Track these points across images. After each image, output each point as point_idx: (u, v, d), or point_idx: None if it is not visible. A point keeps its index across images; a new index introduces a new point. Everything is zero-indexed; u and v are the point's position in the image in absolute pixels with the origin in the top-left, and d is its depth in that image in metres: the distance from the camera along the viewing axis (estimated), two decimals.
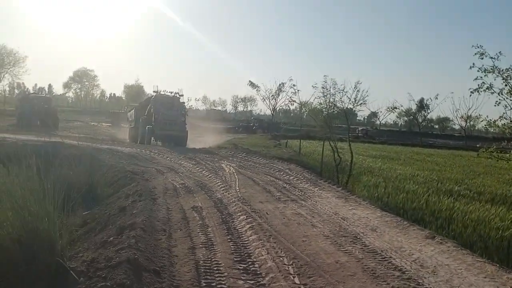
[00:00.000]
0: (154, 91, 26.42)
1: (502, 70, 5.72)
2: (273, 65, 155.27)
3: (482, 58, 5.80)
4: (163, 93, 26.05)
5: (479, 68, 5.78)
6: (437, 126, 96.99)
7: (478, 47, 5.76)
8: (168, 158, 15.56)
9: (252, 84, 59.12)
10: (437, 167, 20.70)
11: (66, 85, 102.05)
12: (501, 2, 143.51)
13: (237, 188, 9.72)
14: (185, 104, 27.19)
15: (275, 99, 59.61)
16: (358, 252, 5.44)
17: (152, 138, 24.28)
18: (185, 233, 6.30)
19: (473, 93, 6.06)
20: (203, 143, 25.01)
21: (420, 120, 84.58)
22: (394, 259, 5.20)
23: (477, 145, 8.19)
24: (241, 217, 7.13)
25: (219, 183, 10.44)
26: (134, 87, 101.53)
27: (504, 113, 5.84)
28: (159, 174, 11.87)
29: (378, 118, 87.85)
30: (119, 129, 38.81)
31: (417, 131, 74.88)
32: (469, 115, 61.19)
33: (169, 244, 5.67)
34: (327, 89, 14.73)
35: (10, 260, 4.03)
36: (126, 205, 7.74)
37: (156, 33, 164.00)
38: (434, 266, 4.98)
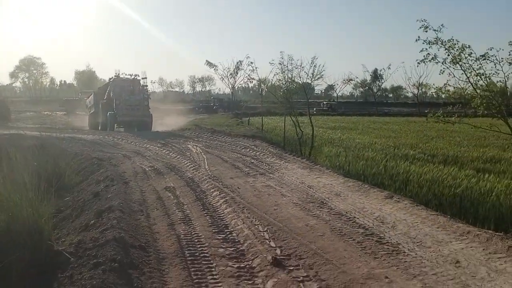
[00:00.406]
0: (115, 75, 24.83)
1: (445, 41, 6.28)
2: (229, 44, 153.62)
3: (426, 31, 6.32)
4: (122, 76, 24.77)
5: (424, 41, 6.29)
6: (391, 95, 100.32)
7: (422, 21, 6.28)
8: (132, 143, 15.57)
9: (209, 64, 58.52)
10: (393, 134, 21.56)
11: (13, 75, 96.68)
12: None
13: (207, 167, 10.03)
14: (147, 87, 26.01)
15: (233, 78, 59.43)
16: (325, 215, 5.96)
17: (115, 124, 23.23)
18: (162, 212, 6.59)
19: (419, 63, 6.62)
20: (165, 126, 24.86)
21: (375, 90, 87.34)
22: (357, 218, 5.76)
23: (426, 111, 8.81)
24: (214, 193, 7.49)
25: (188, 164, 10.70)
26: (85, 73, 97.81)
27: (448, 80, 6.44)
28: (126, 159, 11.94)
29: (335, 91, 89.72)
30: (75, 116, 37.68)
31: (373, 101, 77.23)
32: (420, 82, 63.69)
33: (149, 223, 5.96)
34: (284, 65, 15.14)
35: (2, 248, 4.18)
36: (99, 190, 7.89)
37: (103, 17, 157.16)
38: (393, 222, 5.58)
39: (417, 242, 4.81)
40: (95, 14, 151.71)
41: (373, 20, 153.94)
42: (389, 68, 62.00)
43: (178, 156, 11.96)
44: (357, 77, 76.81)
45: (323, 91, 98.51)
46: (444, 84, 6.47)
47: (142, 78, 24.89)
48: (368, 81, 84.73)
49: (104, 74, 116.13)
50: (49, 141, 14.08)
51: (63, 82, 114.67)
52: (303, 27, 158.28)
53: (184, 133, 19.41)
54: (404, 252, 4.55)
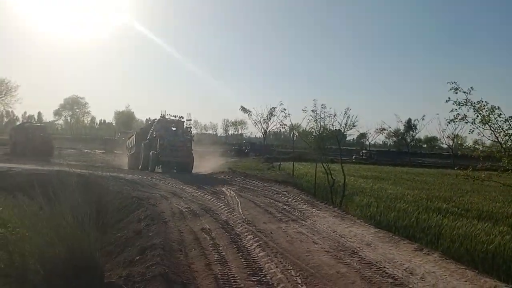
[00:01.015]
0: (160, 115, 25.17)
1: (474, 103, 6.63)
2: (262, 90, 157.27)
3: (456, 93, 6.71)
4: (167, 117, 25.11)
5: (454, 102, 6.67)
6: (425, 146, 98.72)
7: (452, 83, 6.70)
8: (169, 184, 16.22)
9: (243, 109, 60.22)
10: (426, 186, 21.30)
11: (57, 113, 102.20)
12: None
13: (240, 211, 10.44)
14: (191, 128, 26.11)
15: (266, 123, 60.67)
16: (356, 263, 6.19)
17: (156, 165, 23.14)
18: (200, 252, 6.99)
19: (449, 123, 6.94)
20: (199, 168, 25.58)
21: (409, 140, 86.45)
22: (387, 268, 5.97)
23: (455, 168, 9.00)
24: (248, 236, 7.85)
25: (222, 206, 11.14)
26: (124, 113, 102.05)
27: (477, 139, 6.73)
28: (163, 199, 12.52)
29: (367, 139, 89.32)
30: (113, 155, 39.18)
31: (406, 151, 76.22)
32: (455, 134, 62.80)
33: (188, 262, 6.36)
34: (317, 113, 15.64)
35: (61, 276, 4.68)
36: (141, 229, 8.43)
37: (144, 60, 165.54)
38: (422, 274, 5.75)
39: None
40: (136, 57, 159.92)
41: (407, 70, 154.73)
42: (423, 119, 61.71)
43: (213, 199, 12.44)
44: (389, 127, 76.55)
45: (355, 139, 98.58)
46: (474, 144, 6.76)
47: (187, 120, 25.31)
48: (401, 130, 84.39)
49: (143, 115, 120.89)
50: (92, 179, 14.92)
51: (102, 121, 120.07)
52: (336, 75, 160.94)
53: (218, 176, 20.01)
54: None
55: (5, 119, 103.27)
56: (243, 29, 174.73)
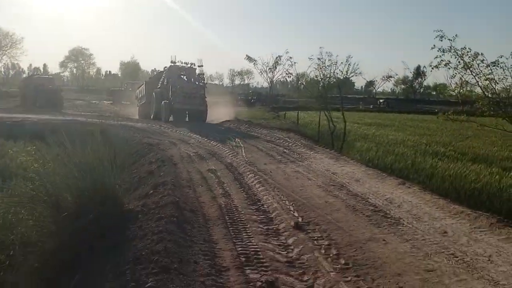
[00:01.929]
0: (171, 62, 23.59)
1: (458, 50, 7.11)
2: (269, 38, 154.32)
3: (441, 40, 7.16)
4: (178, 64, 23.65)
5: (439, 49, 7.15)
6: (434, 93, 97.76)
7: (438, 31, 7.14)
8: (177, 132, 17.01)
9: (249, 58, 59.46)
10: (428, 132, 21.70)
11: (62, 65, 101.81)
12: None
13: (244, 154, 11.25)
14: (204, 75, 24.48)
15: (272, 72, 60.32)
16: (343, 195, 7.02)
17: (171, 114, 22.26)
18: (206, 188, 7.83)
19: (433, 69, 7.42)
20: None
21: (417, 87, 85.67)
22: (370, 199, 6.79)
23: (435, 110, 9.57)
24: (250, 175, 8.67)
25: (227, 151, 11.94)
26: (130, 64, 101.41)
27: (450, 85, 7.33)
28: (172, 145, 13.33)
29: (374, 87, 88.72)
30: (121, 106, 39.78)
31: (415, 98, 75.84)
32: (464, 81, 62.23)
33: (196, 195, 7.21)
34: (322, 62, 15.85)
35: (86, 206, 5.52)
36: (153, 169, 9.28)
37: (148, 11, 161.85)
38: (400, 202, 6.57)
39: (416, 218, 5.81)
40: (141, 9, 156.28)
41: (415, 18, 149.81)
42: (430, 65, 60.89)
43: (218, 144, 13.22)
44: (397, 74, 75.79)
45: (363, 87, 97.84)
46: (455, 87, 7.32)
47: (198, 66, 23.90)
48: (410, 78, 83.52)
49: (148, 65, 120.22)
50: (104, 127, 15.72)
51: (108, 72, 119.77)
52: (343, 23, 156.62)
53: (224, 124, 20.76)
54: (403, 224, 5.56)
55: (11, 72, 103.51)
56: None
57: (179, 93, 21.68)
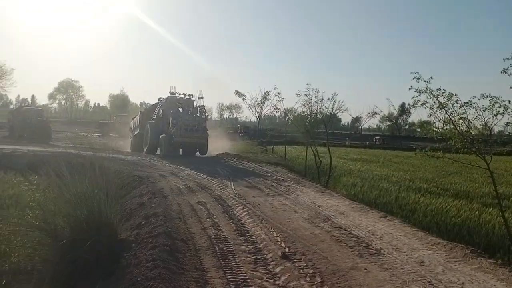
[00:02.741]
0: (170, 93, 23.30)
1: (433, 91, 7.68)
2: (257, 74, 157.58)
3: (418, 81, 7.74)
4: (176, 95, 23.34)
5: (415, 89, 7.72)
6: (419, 130, 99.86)
7: (415, 73, 7.73)
8: (167, 165, 17.27)
9: (238, 93, 60.80)
10: (412, 168, 22.23)
11: (51, 96, 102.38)
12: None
13: (233, 187, 11.55)
14: (205, 107, 23.78)
15: (260, 107, 61.44)
16: (328, 227, 7.34)
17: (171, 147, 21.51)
18: (196, 219, 8.09)
19: (410, 107, 7.97)
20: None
21: (402, 124, 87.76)
22: (354, 231, 7.12)
23: (413, 147, 10.13)
24: (239, 207, 8.96)
25: (216, 184, 12.23)
26: (119, 97, 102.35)
27: (434, 122, 7.85)
28: (162, 178, 13.58)
29: (360, 124, 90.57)
30: (110, 139, 39.90)
31: (404, 135, 77.39)
32: (449, 118, 63.98)
33: (186, 226, 7.46)
34: (309, 98, 16.44)
35: (82, 234, 5.75)
36: (144, 201, 9.51)
37: (138, 43, 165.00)
38: (382, 234, 6.91)
39: (396, 248, 6.15)
40: (132, 42, 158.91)
41: (400, 56, 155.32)
42: (415, 103, 62.68)
43: (208, 177, 13.52)
44: (381, 111, 77.70)
45: (349, 123, 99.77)
46: (429, 125, 7.87)
47: (199, 98, 23.43)
48: (395, 115, 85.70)
49: (137, 98, 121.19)
50: (94, 159, 15.89)
51: (97, 104, 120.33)
52: (330, 60, 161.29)
53: (213, 157, 21.08)
54: (384, 254, 5.89)
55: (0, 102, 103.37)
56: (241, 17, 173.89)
57: (181, 125, 20.92)
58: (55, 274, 5.08)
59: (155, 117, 23.13)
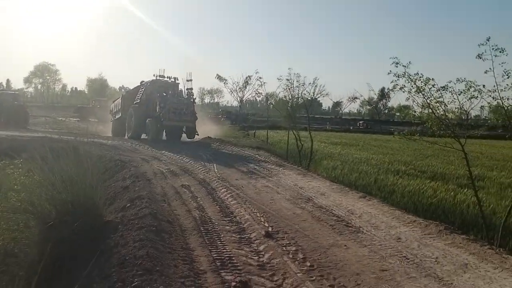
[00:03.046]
0: (154, 76, 22.41)
1: (411, 75, 7.91)
2: (239, 58, 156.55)
3: (397, 66, 7.94)
4: (161, 78, 22.43)
5: (394, 74, 7.93)
6: (398, 114, 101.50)
7: (394, 58, 7.93)
8: (149, 149, 17.21)
9: (219, 77, 60.48)
10: (391, 151, 22.79)
11: (27, 80, 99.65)
12: None
13: (216, 170, 11.68)
14: (193, 89, 22.78)
15: (242, 92, 61.47)
16: (310, 207, 7.58)
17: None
18: (180, 202, 8.20)
19: (389, 91, 8.20)
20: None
21: (382, 108, 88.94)
22: (334, 210, 7.37)
23: (392, 130, 10.40)
24: (222, 190, 9.11)
25: (199, 167, 12.33)
26: (97, 81, 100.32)
27: (412, 106, 8.11)
28: (145, 162, 13.58)
29: (340, 109, 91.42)
30: (88, 123, 39.31)
31: (378, 119, 78.66)
32: (427, 102, 65.27)
33: (171, 208, 7.57)
34: (291, 82, 16.57)
35: (69, 217, 5.81)
36: (128, 185, 9.55)
37: (117, 27, 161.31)
38: (361, 213, 7.19)
39: (374, 226, 6.42)
40: (110, 24, 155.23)
41: (381, 41, 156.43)
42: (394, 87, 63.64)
43: (190, 161, 13.59)
44: (361, 95, 78.51)
45: (330, 107, 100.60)
46: (408, 109, 8.13)
47: (187, 81, 22.57)
48: (375, 99, 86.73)
49: (116, 82, 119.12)
50: (75, 144, 15.74)
51: (74, 89, 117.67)
52: (312, 44, 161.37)
53: (195, 142, 21.09)
54: (363, 232, 6.15)
55: None
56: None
57: (169, 108, 20.22)
58: (43, 256, 5.14)
59: (138, 101, 22.33)
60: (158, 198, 8.35)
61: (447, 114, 7.93)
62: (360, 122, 66.43)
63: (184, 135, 21.98)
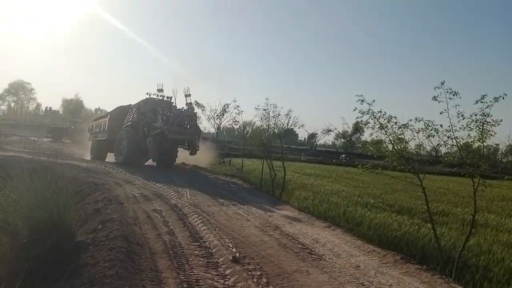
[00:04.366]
0: (147, 94, 21.26)
1: (375, 112, 8.50)
2: (218, 87, 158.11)
3: (362, 103, 8.54)
4: (154, 97, 21.42)
5: (359, 111, 8.51)
6: (372, 148, 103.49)
7: (359, 96, 8.53)
8: (122, 173, 17.26)
9: (197, 104, 60.86)
10: (362, 184, 23.27)
11: (0, 98, 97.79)
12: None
13: (188, 196, 11.88)
14: (192, 104, 21.69)
15: (219, 119, 61.90)
16: (277, 235, 7.89)
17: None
18: (152, 226, 8.36)
19: (355, 127, 8.73)
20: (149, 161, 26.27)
21: (356, 142, 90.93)
22: (300, 238, 7.71)
23: (355, 163, 10.95)
24: (194, 216, 9.33)
25: (172, 193, 12.50)
26: (73, 102, 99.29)
27: (373, 139, 8.71)
28: (118, 186, 13.65)
29: (315, 140, 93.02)
30: (62, 144, 38.81)
31: (353, 152, 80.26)
32: (400, 138, 67.36)
33: (142, 232, 7.73)
34: (267, 112, 17.07)
35: (41, 235, 5.93)
36: (99, 207, 9.65)
37: (94, 42, 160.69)
38: (325, 242, 7.54)
39: (336, 254, 6.78)
40: (85, 46, 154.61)
41: (356, 75, 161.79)
42: (368, 122, 65.57)
43: (163, 187, 13.74)
44: (335, 128, 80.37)
45: (306, 138, 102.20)
46: (380, 144, 8.75)
47: (186, 96, 21.35)
48: (349, 132, 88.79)
49: (92, 104, 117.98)
50: (46, 165, 15.64)
51: (48, 108, 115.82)
52: (288, 76, 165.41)
53: (169, 168, 21.18)
54: (325, 259, 6.50)
55: None
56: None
57: (173, 121, 18.96)
58: (13, 272, 5.24)
59: (129, 123, 21.01)
60: (129, 221, 8.49)
61: (407, 150, 8.51)
62: (343, 155, 67.73)
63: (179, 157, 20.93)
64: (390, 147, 8.46)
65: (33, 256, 5.28)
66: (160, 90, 21.10)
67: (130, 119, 20.99)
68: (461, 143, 7.65)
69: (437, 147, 8.64)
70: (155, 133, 19.02)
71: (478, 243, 8.80)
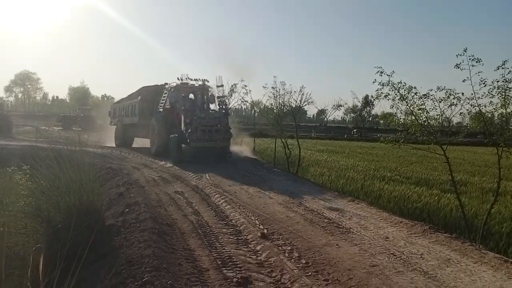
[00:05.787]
0: (178, 79, 17.86)
1: (395, 84, 8.37)
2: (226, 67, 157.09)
3: (381, 75, 8.40)
4: (186, 81, 17.93)
5: (379, 83, 8.38)
6: (382, 121, 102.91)
7: (378, 67, 8.39)
8: (138, 157, 17.38)
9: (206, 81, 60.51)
10: (376, 158, 23.19)
11: (8, 89, 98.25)
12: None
13: (208, 177, 11.95)
14: (225, 97, 18.93)
15: (228, 99, 61.67)
16: (302, 211, 7.93)
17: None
18: (176, 207, 8.46)
19: (374, 99, 8.65)
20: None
21: (366, 116, 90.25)
22: (325, 213, 7.74)
23: (378, 135, 10.86)
24: (216, 195, 9.40)
25: (191, 174, 12.58)
26: (79, 89, 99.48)
27: (396, 114, 8.57)
28: (136, 170, 13.77)
29: (325, 116, 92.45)
30: (73, 132, 38.97)
31: (364, 126, 79.76)
32: (411, 110, 66.77)
33: (168, 213, 7.83)
34: (276, 90, 16.84)
35: (73, 220, 6.02)
36: (122, 192, 9.77)
37: (97, 32, 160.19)
38: (351, 215, 7.57)
39: (364, 227, 6.80)
40: (91, 33, 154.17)
41: (365, 48, 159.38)
42: (373, 96, 65.03)
43: (181, 169, 13.82)
44: (346, 103, 79.67)
45: (315, 115, 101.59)
46: (392, 116, 8.59)
47: (218, 87, 18.40)
48: (359, 107, 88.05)
49: (98, 91, 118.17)
50: (63, 152, 15.78)
51: (55, 97, 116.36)
52: (297, 53, 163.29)
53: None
54: (353, 232, 6.53)
55: None
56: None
57: (197, 125, 15.76)
58: (49, 259, 5.35)
59: (161, 109, 18.16)
60: (153, 203, 8.59)
61: (429, 121, 8.41)
62: (354, 130, 67.24)
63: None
64: (411, 118, 8.37)
65: (68, 241, 5.36)
66: (183, 81, 17.89)
67: (162, 105, 18.17)
68: (485, 111, 7.54)
69: (450, 118, 8.48)
70: (178, 133, 16.44)
71: (499, 211, 8.76)
